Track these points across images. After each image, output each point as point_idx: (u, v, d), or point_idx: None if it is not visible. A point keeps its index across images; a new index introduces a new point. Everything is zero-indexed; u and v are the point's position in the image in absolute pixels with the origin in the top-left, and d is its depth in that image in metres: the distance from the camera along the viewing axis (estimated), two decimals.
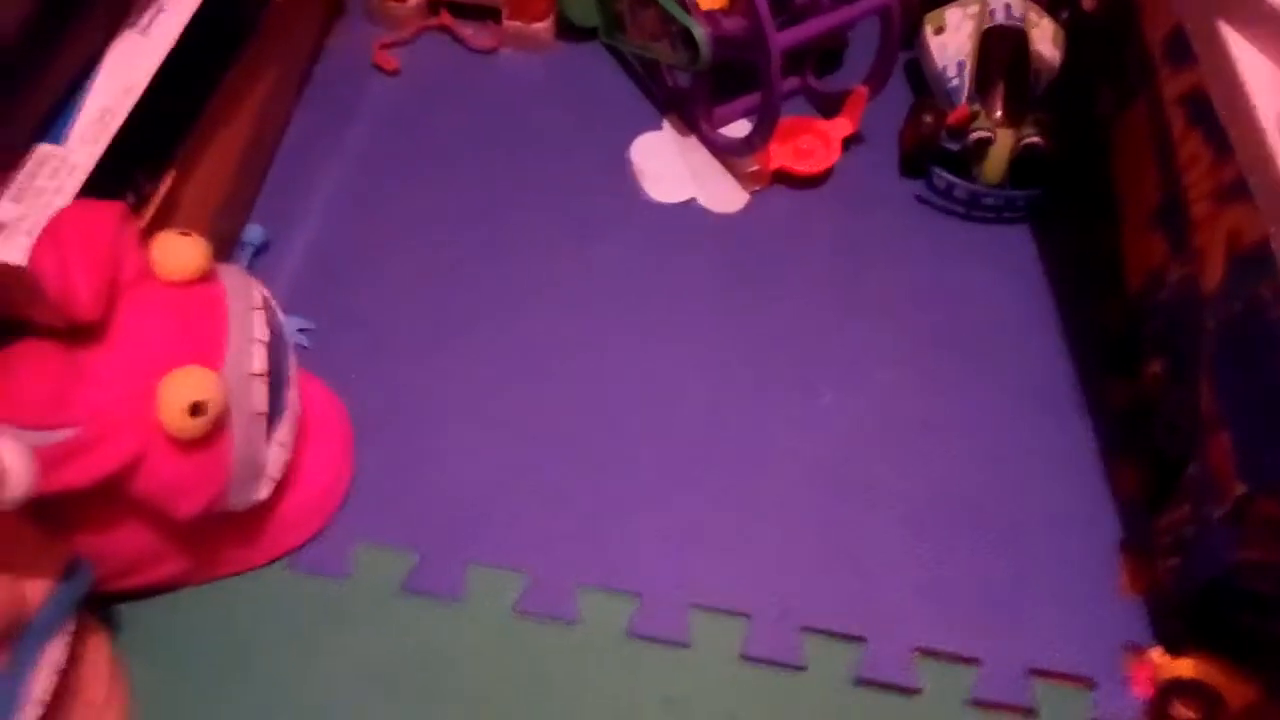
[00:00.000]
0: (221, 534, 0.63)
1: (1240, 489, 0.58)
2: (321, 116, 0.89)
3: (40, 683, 0.52)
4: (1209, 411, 0.63)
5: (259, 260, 0.79)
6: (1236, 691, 0.62)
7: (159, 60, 0.65)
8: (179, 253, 0.59)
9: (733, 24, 0.80)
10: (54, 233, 0.55)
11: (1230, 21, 0.63)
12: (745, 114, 0.89)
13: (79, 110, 0.61)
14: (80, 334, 0.57)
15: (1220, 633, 0.64)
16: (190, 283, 0.59)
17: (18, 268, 0.55)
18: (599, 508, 0.70)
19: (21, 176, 0.58)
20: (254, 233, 0.78)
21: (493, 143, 0.88)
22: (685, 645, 0.65)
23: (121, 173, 0.63)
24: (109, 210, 0.57)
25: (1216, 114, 0.64)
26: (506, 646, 0.64)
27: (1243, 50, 0.62)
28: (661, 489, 0.71)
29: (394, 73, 0.92)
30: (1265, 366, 0.57)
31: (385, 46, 0.93)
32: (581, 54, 0.95)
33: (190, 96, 0.71)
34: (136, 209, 0.64)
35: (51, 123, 0.60)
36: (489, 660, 0.64)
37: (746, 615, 0.66)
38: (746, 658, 0.65)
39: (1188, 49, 0.68)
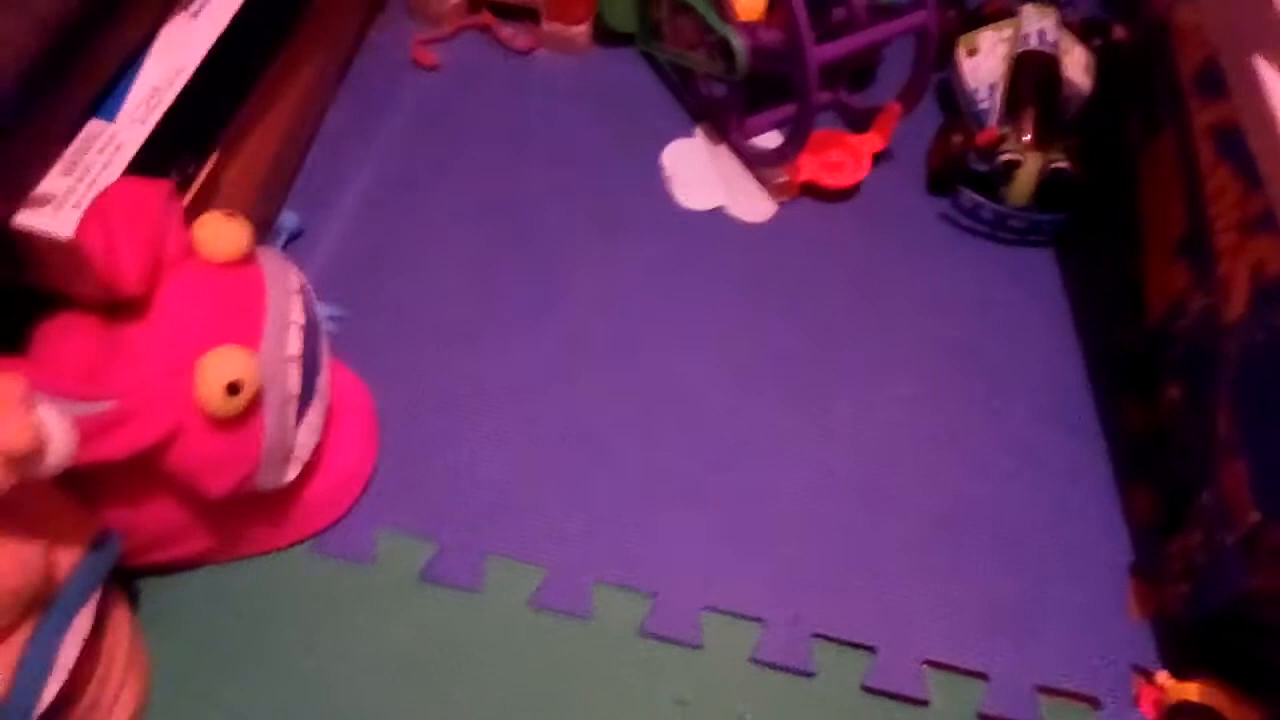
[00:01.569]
0: (248, 514, 0.64)
1: (1255, 517, 0.59)
2: (360, 108, 0.90)
3: (66, 652, 0.53)
4: (1225, 439, 0.63)
5: (292, 246, 0.80)
6: (1241, 717, 0.62)
7: (209, 44, 0.66)
8: (222, 234, 0.60)
9: (770, 36, 0.81)
10: (101, 208, 0.56)
11: (1266, 55, 0.63)
12: (777, 125, 0.90)
13: (130, 89, 0.62)
14: (122, 309, 0.57)
15: (1227, 658, 0.64)
16: (231, 264, 0.60)
17: (65, 241, 0.56)
18: (618, 506, 0.70)
19: (71, 152, 0.59)
20: (289, 219, 0.80)
21: (527, 143, 0.89)
22: (698, 646, 0.66)
23: (168, 152, 0.64)
24: (156, 188, 0.58)
25: (1247, 147, 0.64)
26: (521, 639, 0.65)
27: (1278, 85, 0.63)
28: (680, 491, 0.71)
29: (432, 68, 0.93)
30: None
31: (425, 43, 0.94)
32: (618, 59, 0.96)
33: (236, 82, 0.73)
34: (180, 189, 0.65)
35: (103, 100, 0.62)
36: (503, 652, 0.64)
37: (759, 620, 0.67)
38: (757, 661, 0.65)
39: (1219, 81, 0.69)
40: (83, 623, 0.54)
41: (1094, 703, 0.65)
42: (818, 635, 0.66)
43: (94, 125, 0.61)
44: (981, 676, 0.66)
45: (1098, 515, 0.73)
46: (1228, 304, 0.65)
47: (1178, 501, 0.69)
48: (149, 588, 0.65)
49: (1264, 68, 0.63)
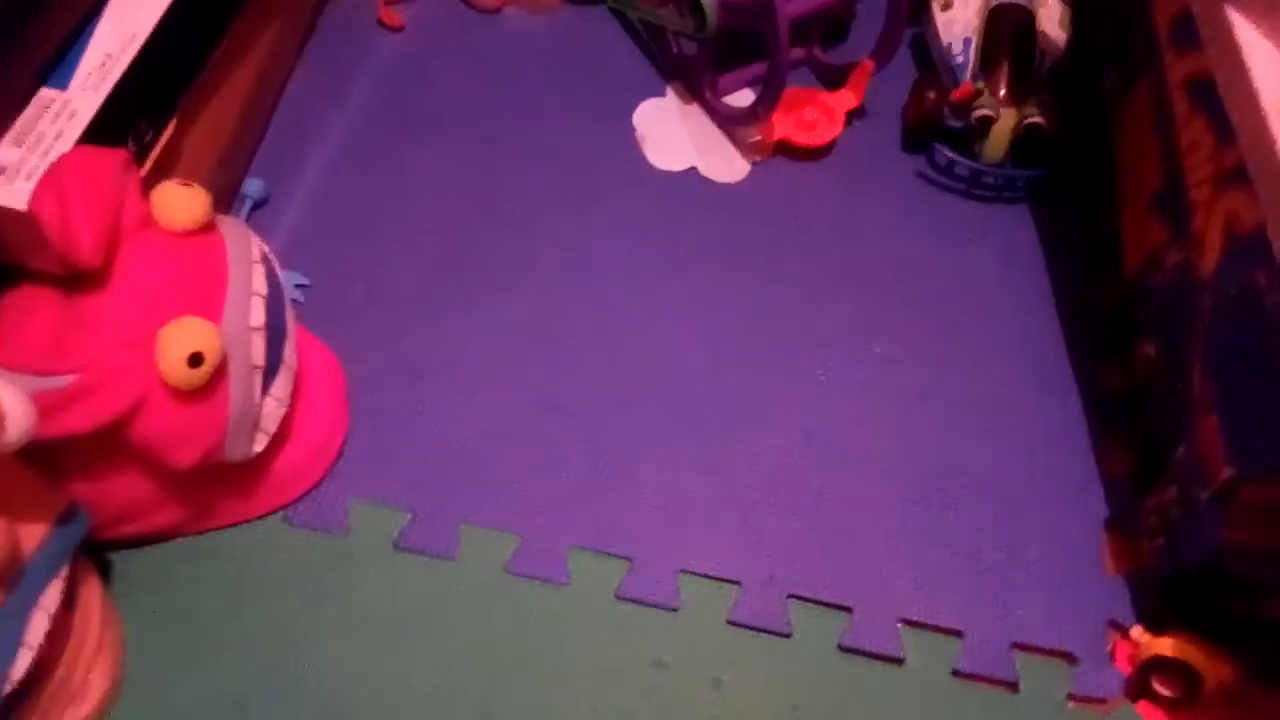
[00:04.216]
0: (218, 485, 0.63)
1: (1228, 472, 0.59)
2: (324, 71, 0.88)
3: (35, 627, 0.52)
4: (1200, 394, 0.63)
5: (257, 214, 0.79)
6: (1215, 671, 0.63)
7: (163, 8, 0.64)
8: (180, 203, 0.59)
9: None
10: (56, 178, 0.55)
11: (1238, 6, 0.63)
12: (749, 84, 0.89)
13: (82, 56, 0.61)
14: (80, 281, 0.56)
15: (1201, 613, 0.65)
16: (191, 234, 0.59)
17: (19, 212, 0.55)
18: (592, 471, 0.70)
19: (23, 121, 0.58)
20: (253, 186, 0.78)
21: (495, 104, 0.88)
22: (674, 609, 0.66)
23: (124, 120, 0.63)
24: (112, 157, 0.57)
25: (1220, 99, 0.64)
26: (497, 606, 0.65)
27: (1249, 35, 0.62)
28: (655, 455, 0.71)
29: (398, 29, 0.92)
30: (1257, 351, 0.58)
31: (390, 3, 0.92)
32: (587, 17, 0.95)
33: (194, 47, 0.71)
34: (138, 158, 0.64)
35: (55, 68, 0.60)
36: (479, 619, 0.64)
37: (735, 582, 0.67)
38: (734, 623, 0.65)
39: (1194, 33, 0.68)
40: (51, 598, 0.54)
41: (1069, 658, 0.66)
42: (794, 596, 0.66)
43: (45, 93, 0.59)
44: (957, 634, 0.66)
45: (1073, 472, 0.73)
46: (1201, 258, 0.65)
47: (1153, 457, 0.69)
48: (121, 561, 0.64)
49: (1236, 18, 0.62)
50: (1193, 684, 0.63)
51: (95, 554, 0.62)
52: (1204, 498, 0.61)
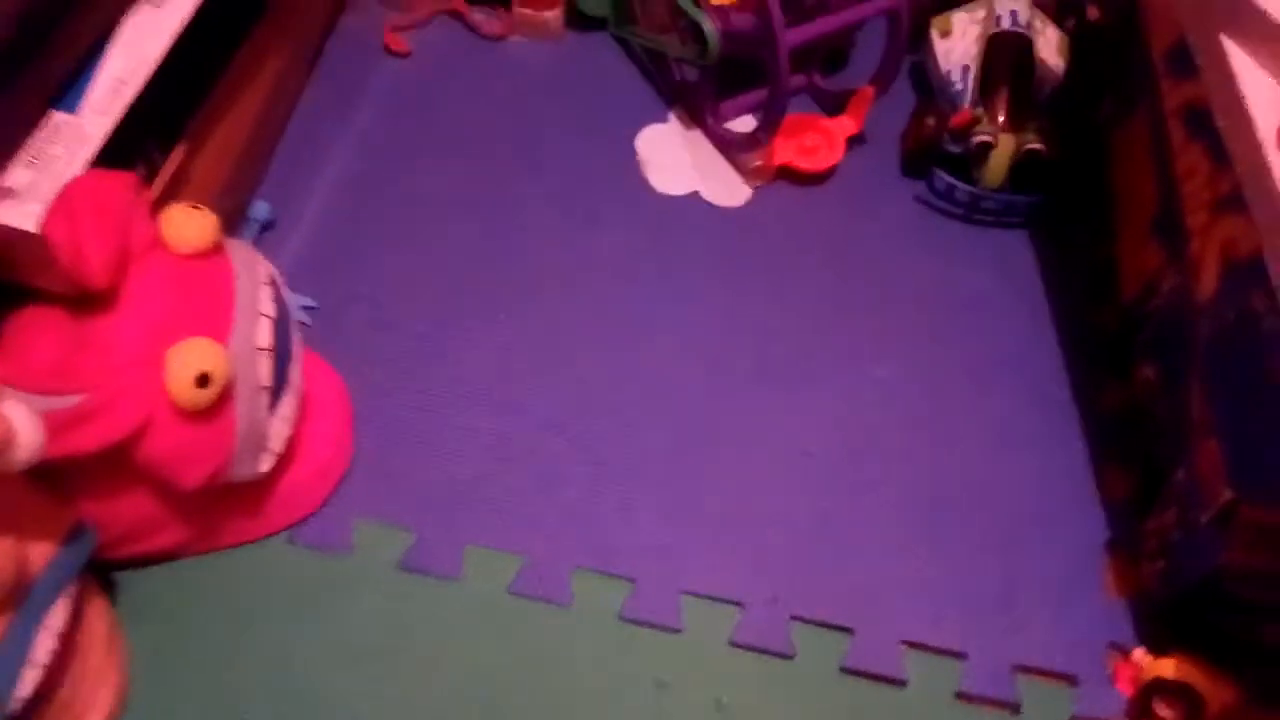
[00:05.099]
0: (223, 505, 0.64)
1: (1227, 495, 0.59)
2: (331, 96, 0.89)
3: (41, 646, 0.53)
4: (1198, 418, 0.64)
5: (264, 236, 0.80)
6: (1217, 693, 0.63)
7: (173, 33, 0.65)
8: (189, 226, 0.59)
9: (742, 20, 0.81)
10: (66, 201, 0.55)
11: (1233, 36, 0.64)
12: (751, 110, 0.90)
13: (93, 80, 0.62)
14: (89, 302, 0.57)
15: (1203, 635, 0.65)
16: (199, 256, 0.60)
17: (30, 234, 0.56)
18: (595, 493, 0.70)
19: (35, 144, 0.59)
20: (261, 209, 0.79)
21: (499, 129, 0.89)
22: (677, 630, 0.66)
23: (134, 144, 0.64)
24: (121, 180, 0.57)
25: (1216, 126, 0.65)
26: (501, 626, 0.65)
27: (1244, 64, 0.63)
28: (658, 477, 0.71)
29: (404, 55, 0.93)
30: (1256, 375, 0.58)
31: (396, 29, 0.94)
32: (590, 44, 0.96)
33: (203, 72, 0.72)
34: (147, 181, 0.65)
35: (66, 92, 0.61)
36: (483, 639, 0.64)
37: (738, 603, 0.67)
38: (736, 644, 0.66)
39: (1190, 62, 0.69)
40: (58, 617, 0.54)
41: (1071, 680, 0.66)
42: (796, 617, 0.67)
43: (57, 117, 0.60)
44: (959, 656, 0.66)
45: (1074, 494, 0.73)
46: (1198, 284, 0.66)
47: (1153, 480, 0.69)
48: (127, 580, 0.64)
49: (1231, 47, 0.63)
50: (1194, 706, 0.63)
51: (101, 573, 0.62)
52: (1203, 520, 0.61)
